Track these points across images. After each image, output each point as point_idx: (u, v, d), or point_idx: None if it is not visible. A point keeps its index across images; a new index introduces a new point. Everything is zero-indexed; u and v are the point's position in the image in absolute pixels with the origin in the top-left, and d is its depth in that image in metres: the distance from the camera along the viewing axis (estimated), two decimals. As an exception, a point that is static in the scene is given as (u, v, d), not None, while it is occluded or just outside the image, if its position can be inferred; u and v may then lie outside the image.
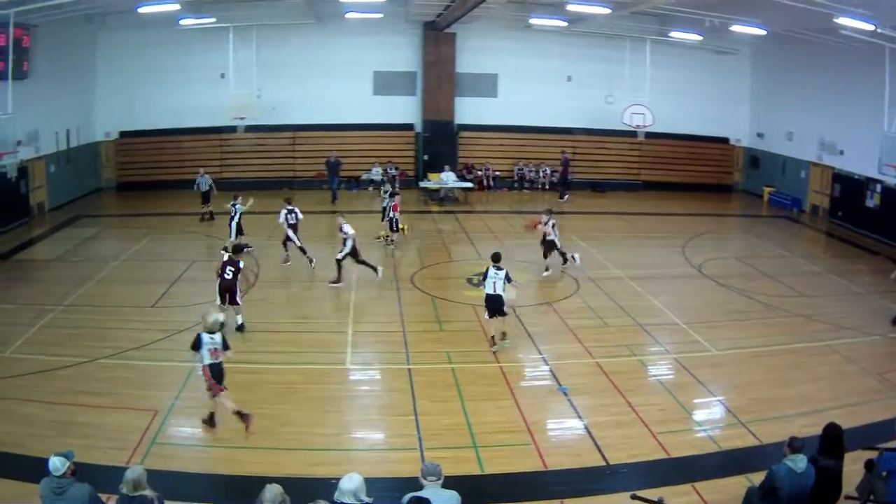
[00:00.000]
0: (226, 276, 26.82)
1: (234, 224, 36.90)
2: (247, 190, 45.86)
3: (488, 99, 58.08)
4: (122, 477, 12.53)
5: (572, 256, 35.04)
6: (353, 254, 32.74)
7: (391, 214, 39.91)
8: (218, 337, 19.77)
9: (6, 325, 27.68)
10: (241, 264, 27.28)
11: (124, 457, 18.05)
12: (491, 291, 25.38)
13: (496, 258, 25.87)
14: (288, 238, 35.87)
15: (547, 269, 34.62)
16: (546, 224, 34.33)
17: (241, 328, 27.10)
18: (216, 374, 19.87)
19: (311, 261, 35.38)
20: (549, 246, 34.63)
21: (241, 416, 19.78)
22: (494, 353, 25.30)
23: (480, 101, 57.96)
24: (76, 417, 20.52)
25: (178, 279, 33.66)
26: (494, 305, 25.43)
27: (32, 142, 45.44)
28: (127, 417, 20.50)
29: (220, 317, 20.47)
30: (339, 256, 32.60)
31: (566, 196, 55.14)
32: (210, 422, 20.22)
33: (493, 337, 25.74)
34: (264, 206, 39.66)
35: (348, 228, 32.63)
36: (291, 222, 35.66)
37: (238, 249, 28.39)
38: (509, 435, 19.63)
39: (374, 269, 33.28)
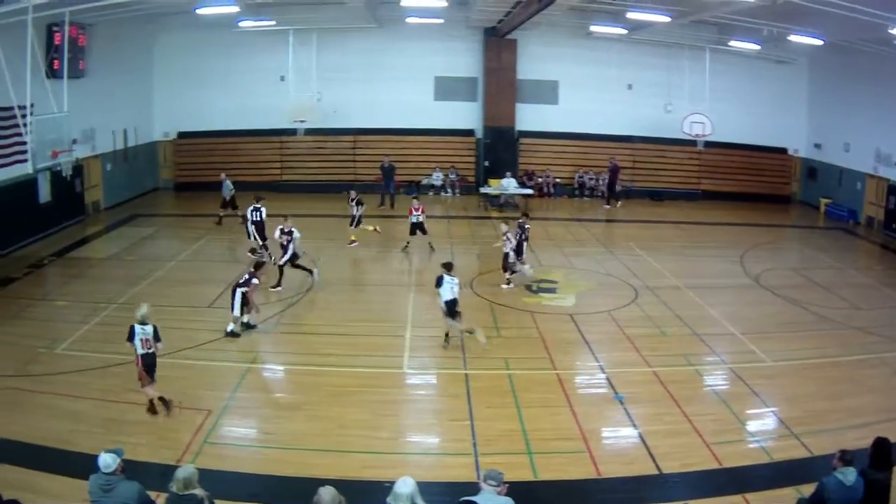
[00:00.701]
0: (239, 280, 28.03)
1: (251, 227, 37.08)
2: (308, 193, 46.28)
3: (549, 106, 57.99)
4: (172, 475, 12.63)
5: (507, 280, 34.36)
6: (292, 258, 33.00)
7: (417, 218, 39.94)
8: (149, 328, 20.94)
9: (59, 321, 28.37)
10: (255, 281, 27.53)
11: (175, 455, 18.45)
12: (450, 297, 26.22)
13: (449, 267, 27.02)
14: (252, 234, 36.71)
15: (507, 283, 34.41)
16: (504, 235, 34.19)
17: (229, 333, 27.62)
18: (148, 363, 21.01)
19: (269, 257, 35.82)
20: (505, 257, 34.20)
21: (164, 402, 21.14)
22: (445, 346, 26.64)
23: (541, 108, 57.87)
24: (127, 415, 20.94)
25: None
26: (454, 308, 26.36)
27: (88, 140, 46.30)
28: (179, 416, 20.93)
29: (145, 309, 21.27)
30: (282, 262, 32.87)
31: (614, 203, 55.12)
32: (152, 409, 21.11)
33: (447, 334, 26.91)
34: (325, 210, 39.99)
35: (296, 232, 32.97)
36: (255, 219, 36.41)
37: (258, 266, 28.66)
38: (564, 442, 19.68)
39: (310, 271, 33.55)
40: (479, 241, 43.32)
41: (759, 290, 34.25)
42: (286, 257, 32.71)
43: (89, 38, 44.01)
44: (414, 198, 41.37)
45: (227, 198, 45.19)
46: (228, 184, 45.42)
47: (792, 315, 30.75)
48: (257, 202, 36.74)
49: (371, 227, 41.07)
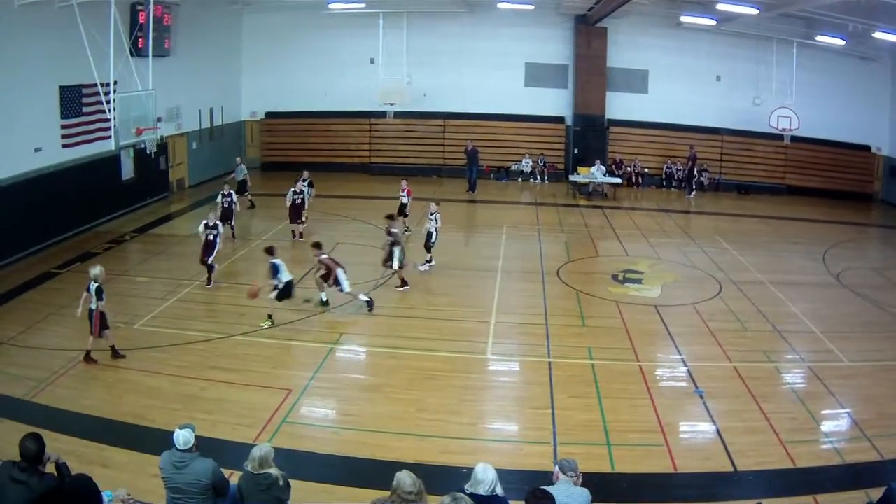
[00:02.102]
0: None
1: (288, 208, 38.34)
2: (397, 176, 46.61)
3: (639, 95, 57.85)
4: (248, 454, 12.66)
5: (426, 261, 34.65)
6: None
7: (404, 199, 39.64)
8: (93, 287, 22.47)
9: (139, 297, 29.07)
10: (321, 258, 28.41)
11: (252, 434, 18.88)
12: (288, 278, 27.29)
13: (273, 251, 27.61)
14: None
15: (425, 263, 34.50)
16: (431, 214, 34.13)
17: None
18: (90, 317, 22.61)
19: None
20: (428, 236, 34.23)
21: (88, 357, 23.05)
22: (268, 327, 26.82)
23: (631, 97, 57.78)
24: (205, 392, 21.54)
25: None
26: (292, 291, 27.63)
27: (174, 119, 47.52)
28: (259, 395, 21.43)
29: (97, 270, 22.74)
30: (209, 259, 31.55)
31: (695, 194, 55.47)
32: (88, 358, 23.05)
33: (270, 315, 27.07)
34: (415, 193, 40.29)
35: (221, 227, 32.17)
36: (296, 202, 38.16)
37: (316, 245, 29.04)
38: (643, 435, 19.78)
39: (209, 279, 31.63)
40: (567, 229, 43.64)
41: (839, 289, 33.91)
42: (212, 255, 31.43)
43: (174, 17, 45.19)
44: (403, 178, 41.17)
45: (240, 179, 44.94)
46: (243, 168, 45.36)
47: (871, 315, 30.31)
48: (296, 184, 38.10)
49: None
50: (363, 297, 28.80)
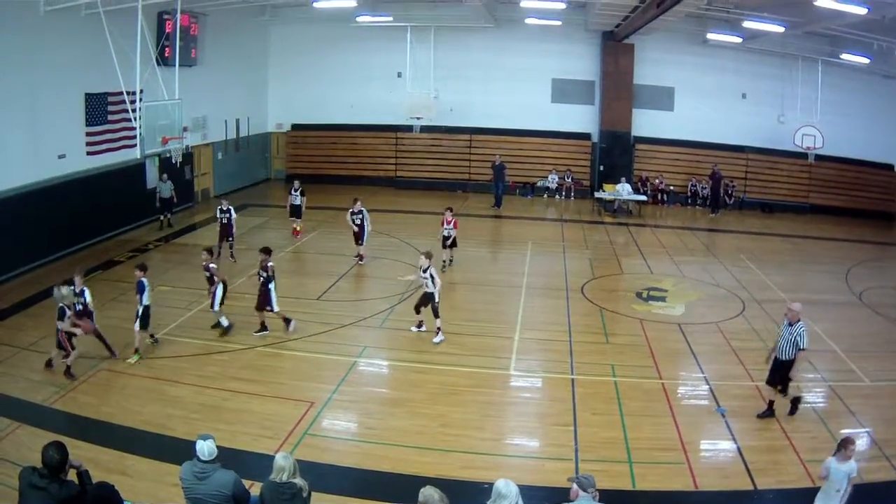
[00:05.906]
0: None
1: (357, 228, 36.68)
2: (422, 190, 46.72)
3: (665, 112, 57.77)
4: (269, 465, 12.78)
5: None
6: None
7: (450, 232, 36.18)
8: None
9: (162, 306, 28.70)
10: (212, 266, 27.35)
11: (274, 445, 18.91)
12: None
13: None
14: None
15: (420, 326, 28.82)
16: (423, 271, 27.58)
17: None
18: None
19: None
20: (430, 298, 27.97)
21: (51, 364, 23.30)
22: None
23: (657, 114, 57.71)
24: (227, 403, 21.75)
25: (345, 274, 34.83)
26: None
27: (199, 129, 47.89)
28: (281, 406, 21.62)
29: (64, 290, 23.14)
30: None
31: (717, 212, 55.48)
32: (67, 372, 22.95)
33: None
34: (440, 207, 40.27)
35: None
36: (358, 222, 36.56)
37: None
38: (665, 453, 19.83)
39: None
40: (592, 246, 43.77)
41: (861, 308, 33.84)
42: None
43: (201, 27, 45.60)
44: (447, 209, 37.23)
45: (165, 197, 42.92)
46: (170, 185, 43.00)
47: (892, 335, 30.16)
48: (355, 204, 36.61)
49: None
50: (224, 322, 27.28)
